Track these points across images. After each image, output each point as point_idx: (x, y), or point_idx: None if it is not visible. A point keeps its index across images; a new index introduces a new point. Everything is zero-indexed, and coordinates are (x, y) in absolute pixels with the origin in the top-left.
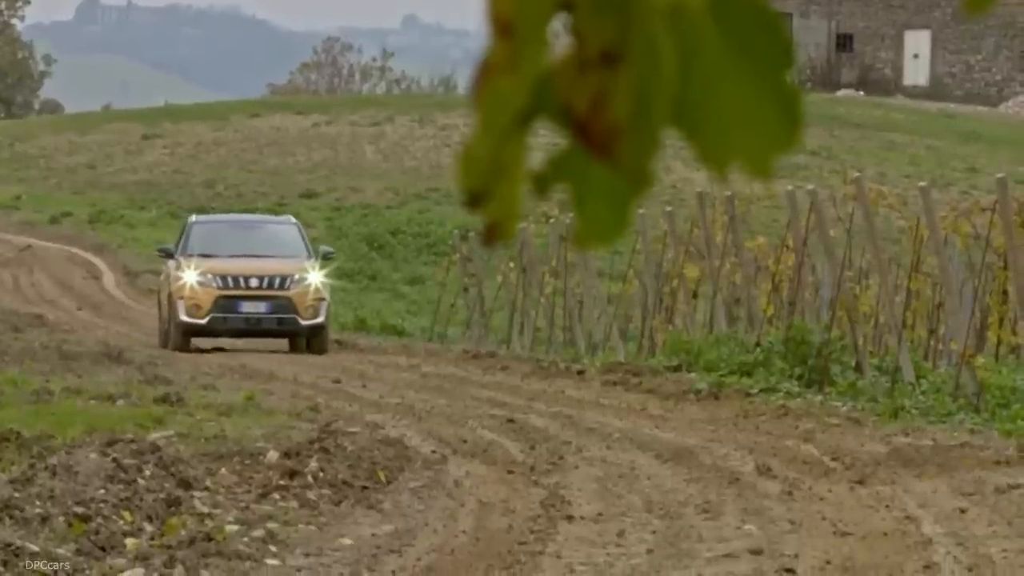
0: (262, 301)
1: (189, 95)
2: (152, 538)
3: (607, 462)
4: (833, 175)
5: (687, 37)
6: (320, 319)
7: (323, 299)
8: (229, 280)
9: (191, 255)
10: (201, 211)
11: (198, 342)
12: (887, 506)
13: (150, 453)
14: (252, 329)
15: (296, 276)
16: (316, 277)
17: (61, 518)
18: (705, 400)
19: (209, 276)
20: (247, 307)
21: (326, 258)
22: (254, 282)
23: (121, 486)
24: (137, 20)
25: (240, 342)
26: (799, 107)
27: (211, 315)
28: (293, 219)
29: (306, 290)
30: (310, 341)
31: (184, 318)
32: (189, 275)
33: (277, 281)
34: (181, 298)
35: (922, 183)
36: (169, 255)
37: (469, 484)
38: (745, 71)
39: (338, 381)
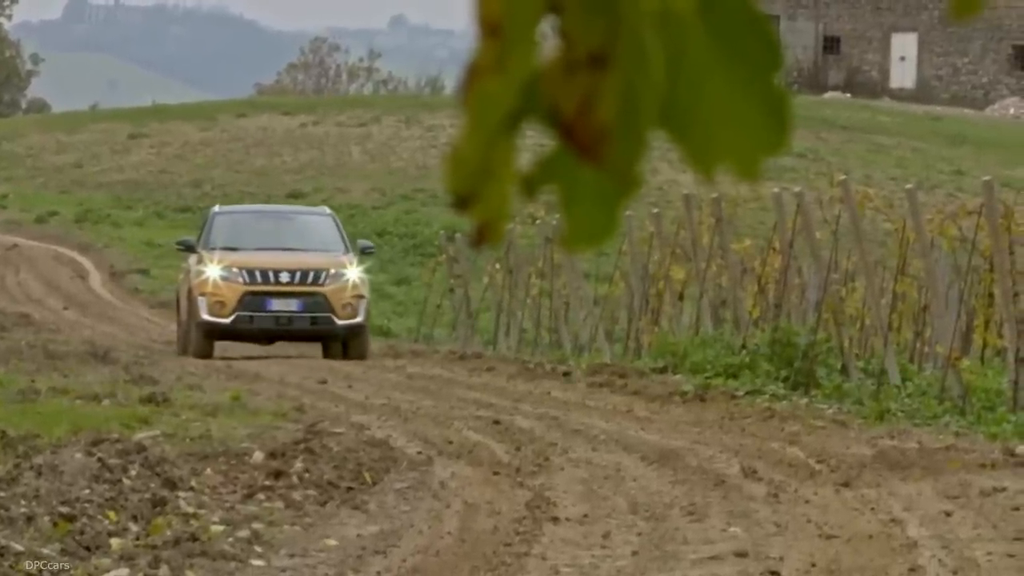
0: (294, 298)
1: (176, 94)
2: (137, 538)
3: (593, 464)
4: (820, 177)
5: (675, 39)
6: (359, 319)
7: (362, 296)
8: (257, 275)
9: (214, 248)
10: (187, 211)
11: (222, 346)
12: (872, 509)
13: (135, 453)
14: (282, 330)
15: (332, 271)
16: (354, 272)
17: (46, 518)
18: (691, 402)
19: (235, 270)
20: (277, 305)
21: (365, 253)
22: (284, 277)
23: (106, 486)
24: (125, 19)
25: (258, 349)
26: (787, 109)
27: (236, 314)
28: (328, 210)
29: (343, 286)
30: (347, 344)
31: (206, 317)
32: (212, 269)
33: (311, 276)
34: (203, 294)
35: (908, 185)
36: (189, 248)
37: (454, 485)
38: (733, 73)
39: (324, 382)
